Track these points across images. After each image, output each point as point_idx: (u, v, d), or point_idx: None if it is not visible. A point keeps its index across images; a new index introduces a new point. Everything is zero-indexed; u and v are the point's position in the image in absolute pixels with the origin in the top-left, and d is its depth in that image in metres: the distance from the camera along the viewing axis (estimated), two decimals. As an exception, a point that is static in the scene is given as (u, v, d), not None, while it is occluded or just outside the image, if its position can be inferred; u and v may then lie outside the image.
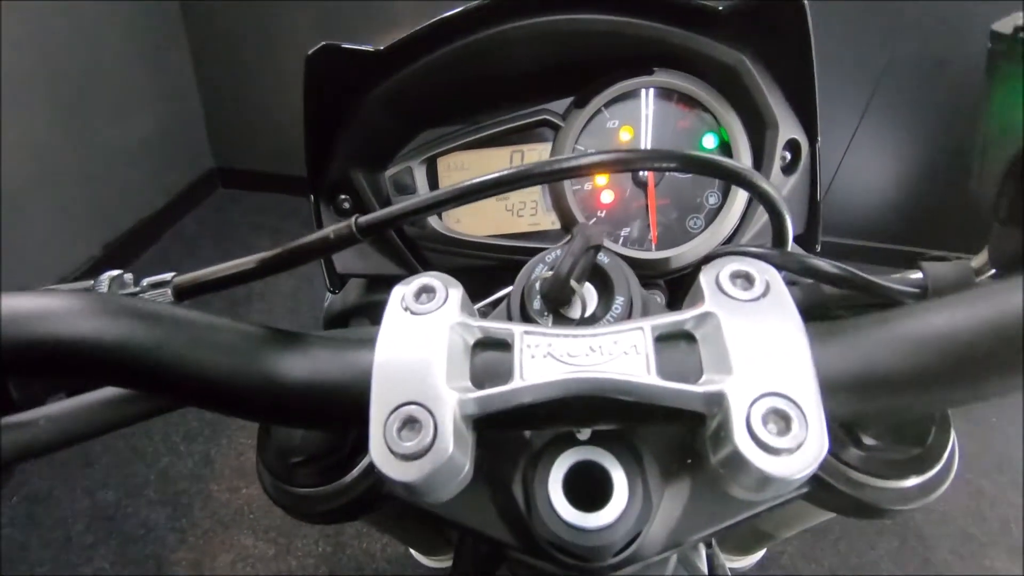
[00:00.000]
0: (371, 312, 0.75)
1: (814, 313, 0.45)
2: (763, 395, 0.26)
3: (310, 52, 0.58)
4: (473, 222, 0.66)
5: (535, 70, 0.62)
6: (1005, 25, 0.32)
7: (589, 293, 0.44)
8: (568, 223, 0.64)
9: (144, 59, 2.47)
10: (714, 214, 0.63)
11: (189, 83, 2.73)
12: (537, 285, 0.41)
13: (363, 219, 0.39)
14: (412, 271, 0.68)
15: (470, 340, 0.31)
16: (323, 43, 0.57)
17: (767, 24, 0.58)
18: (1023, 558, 1.73)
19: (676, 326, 0.30)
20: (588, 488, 0.36)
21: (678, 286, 0.71)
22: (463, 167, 0.65)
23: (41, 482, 1.77)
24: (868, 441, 0.41)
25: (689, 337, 0.30)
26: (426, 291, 0.33)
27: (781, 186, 0.65)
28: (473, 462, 0.29)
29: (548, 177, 0.38)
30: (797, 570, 1.70)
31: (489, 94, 0.64)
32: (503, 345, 0.31)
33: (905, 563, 1.73)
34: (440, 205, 0.39)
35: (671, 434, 0.39)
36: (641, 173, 0.63)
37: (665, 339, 0.30)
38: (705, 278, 0.31)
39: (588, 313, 0.41)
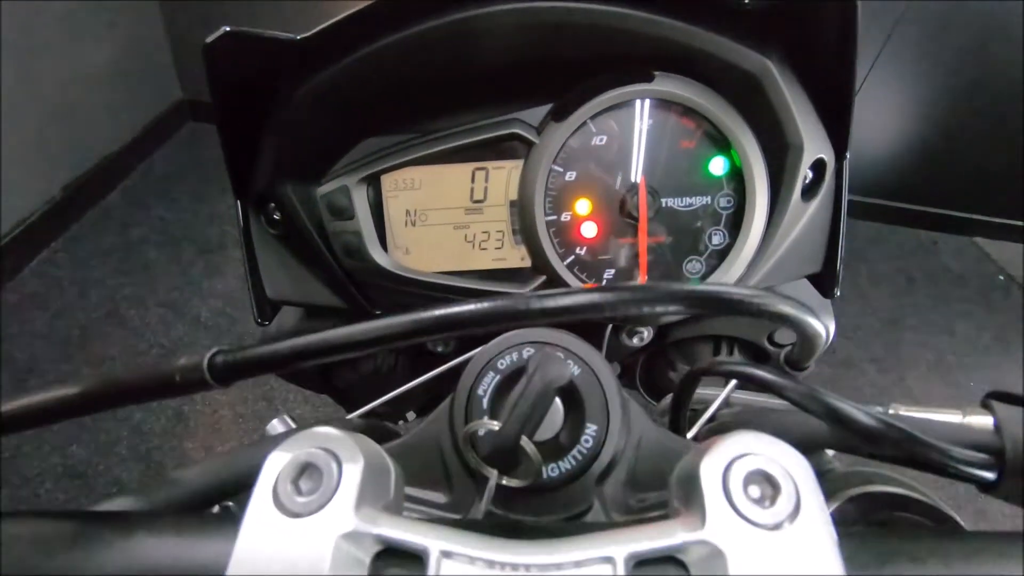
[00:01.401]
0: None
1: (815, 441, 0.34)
2: None
3: (209, 39, 0.43)
4: (425, 255, 0.53)
5: (505, 69, 0.47)
6: None
7: (554, 410, 0.33)
8: (540, 262, 0.51)
9: (97, -24, 2.19)
10: (718, 256, 0.51)
11: (150, 2, 2.45)
12: (480, 433, 0.30)
13: (222, 358, 0.27)
14: (353, 304, 0.56)
15: (365, 557, 0.21)
16: (225, 29, 0.43)
17: (803, 23, 0.44)
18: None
19: (662, 551, 0.20)
20: None
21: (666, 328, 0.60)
22: (413, 186, 0.52)
23: (7, 438, 1.69)
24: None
25: (678, 565, 0.20)
26: (309, 473, 0.22)
27: (799, 215, 0.52)
28: None
29: (451, 327, 0.26)
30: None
31: (447, 97, 0.50)
32: (414, 560, 0.20)
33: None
34: (326, 354, 0.27)
35: None
36: (630, 201, 0.50)
37: (646, 565, 0.20)
38: (707, 476, 0.21)
39: (551, 443, 0.31)
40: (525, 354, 0.34)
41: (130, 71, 2.40)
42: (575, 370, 0.33)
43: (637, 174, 0.49)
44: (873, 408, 0.33)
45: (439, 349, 0.63)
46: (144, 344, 1.92)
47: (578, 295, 0.24)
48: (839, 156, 0.53)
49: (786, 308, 0.28)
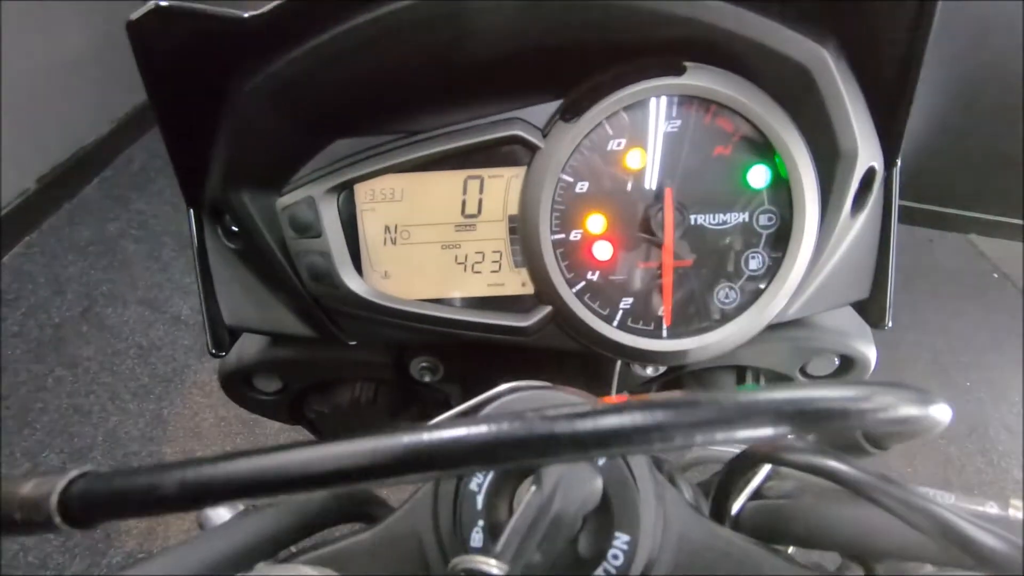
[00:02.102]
0: (280, 370, 0.54)
1: None
2: None
3: (133, 16, 0.34)
4: (407, 279, 0.44)
5: (504, 58, 0.38)
6: None
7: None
8: (544, 289, 0.42)
9: (69, -43, 2.05)
10: (757, 284, 0.42)
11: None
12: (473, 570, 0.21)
13: (84, 487, 0.18)
14: (323, 333, 0.47)
15: None
16: (154, 3, 0.33)
17: (870, 11, 0.36)
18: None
19: None
20: None
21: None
22: (393, 197, 0.42)
23: (-28, 447, 1.59)
24: None
25: None
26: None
27: (845, 233, 0.44)
28: None
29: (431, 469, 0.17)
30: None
31: (433, 91, 0.40)
32: None
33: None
34: (244, 493, 0.18)
35: None
36: (654, 218, 0.41)
37: None
38: None
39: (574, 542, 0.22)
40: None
41: (108, 59, 2.26)
42: (601, 473, 0.24)
43: (662, 186, 0.41)
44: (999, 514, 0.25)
45: (426, 379, 0.54)
46: (121, 344, 1.82)
47: (634, 412, 0.16)
48: (888, 164, 0.44)
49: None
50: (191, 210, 0.47)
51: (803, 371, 0.54)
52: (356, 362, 0.54)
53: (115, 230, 2.13)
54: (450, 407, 0.63)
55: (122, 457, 1.61)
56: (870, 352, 0.52)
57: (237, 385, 0.55)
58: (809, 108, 0.39)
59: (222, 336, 0.48)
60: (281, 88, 0.38)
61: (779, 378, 0.55)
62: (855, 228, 0.45)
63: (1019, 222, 2.44)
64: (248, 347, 0.53)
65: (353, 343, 0.48)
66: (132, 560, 1.45)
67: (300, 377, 0.55)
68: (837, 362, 0.53)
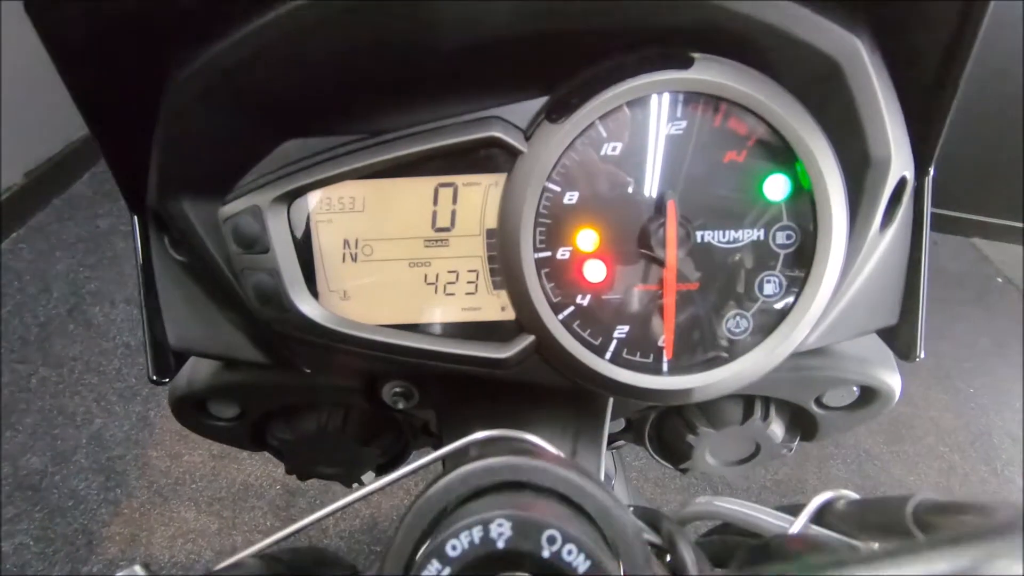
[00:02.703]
0: (236, 396, 0.48)
1: None
2: None
3: None
4: (370, 302, 0.38)
5: (480, 48, 0.32)
6: None
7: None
8: (527, 315, 0.36)
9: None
10: (773, 313, 0.36)
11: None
12: None
13: None
14: (276, 361, 0.41)
15: None
16: None
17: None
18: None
19: None
20: None
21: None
22: (353, 207, 0.36)
23: (-49, 449, 1.54)
24: None
25: None
26: None
27: (872, 251, 0.38)
28: None
29: None
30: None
31: (399, 85, 0.34)
32: None
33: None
34: None
35: None
36: (654, 234, 0.35)
37: None
38: None
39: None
40: (496, 532, 0.19)
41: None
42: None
43: (664, 197, 0.34)
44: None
45: (400, 406, 0.48)
46: (109, 344, 1.76)
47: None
48: (920, 173, 0.38)
49: None
50: (134, 217, 0.41)
51: (819, 402, 0.48)
52: (322, 387, 0.48)
53: (105, 226, 2.07)
54: (429, 435, 0.58)
55: (106, 461, 1.55)
56: (894, 382, 0.46)
57: (189, 412, 0.49)
58: (837, 108, 0.33)
59: (166, 360, 0.42)
60: (219, 78, 0.32)
61: (788, 407, 0.49)
62: (882, 246, 0.39)
63: (1020, 225, 2.38)
64: (200, 370, 0.47)
65: (308, 371, 0.42)
66: (113, 567, 1.40)
67: (259, 403, 0.49)
68: (857, 392, 0.47)
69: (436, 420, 0.48)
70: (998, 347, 2.16)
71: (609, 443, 0.52)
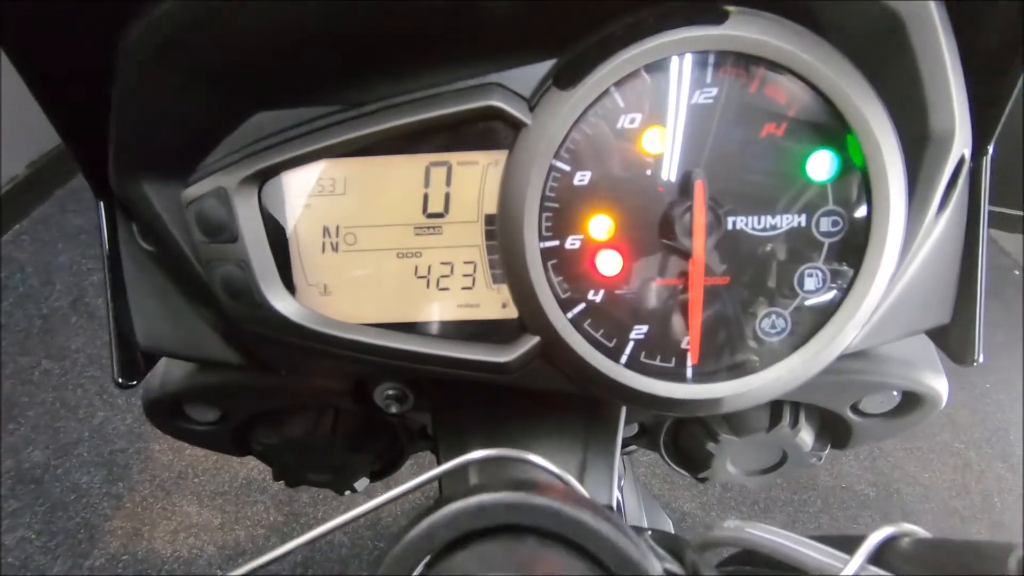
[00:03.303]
0: (214, 398, 0.44)
1: None
2: None
3: None
4: (354, 297, 0.33)
5: (478, 2, 0.27)
6: None
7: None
8: (531, 313, 0.31)
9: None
10: (816, 312, 0.31)
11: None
12: None
13: None
14: (251, 363, 0.37)
15: None
16: None
17: None
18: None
19: None
20: None
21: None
22: (334, 189, 0.31)
23: (-47, 441, 1.51)
24: None
25: None
26: None
27: (926, 237, 0.33)
28: None
29: None
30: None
31: (384, 47, 0.29)
32: None
33: (885, 539, 1.59)
34: None
35: None
36: (679, 220, 0.30)
37: None
38: None
39: None
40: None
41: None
42: None
43: (690, 177, 0.29)
44: None
45: (393, 409, 0.44)
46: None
47: None
48: (978, 151, 0.33)
49: None
50: (100, 204, 0.36)
51: (855, 407, 0.43)
52: (309, 389, 0.43)
53: (108, 218, 2.04)
54: (427, 438, 0.53)
55: (108, 454, 1.52)
56: (941, 386, 0.41)
57: (163, 415, 0.44)
58: (896, 73, 0.28)
59: (134, 360, 0.38)
60: (173, 37, 0.27)
61: (818, 412, 0.44)
62: (935, 234, 0.34)
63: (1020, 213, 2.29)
64: (174, 370, 0.43)
65: (283, 372, 0.37)
66: (115, 561, 1.37)
67: (241, 406, 0.45)
68: (898, 398, 0.42)
69: (432, 426, 0.44)
70: (1015, 342, 2.09)
71: (621, 448, 0.48)
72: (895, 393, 0.42)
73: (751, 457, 0.47)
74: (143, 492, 1.47)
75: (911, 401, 0.41)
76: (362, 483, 0.53)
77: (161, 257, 0.36)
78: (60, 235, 1.94)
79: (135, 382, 0.38)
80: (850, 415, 0.43)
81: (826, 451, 0.47)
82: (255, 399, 0.44)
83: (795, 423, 0.44)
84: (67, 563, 1.36)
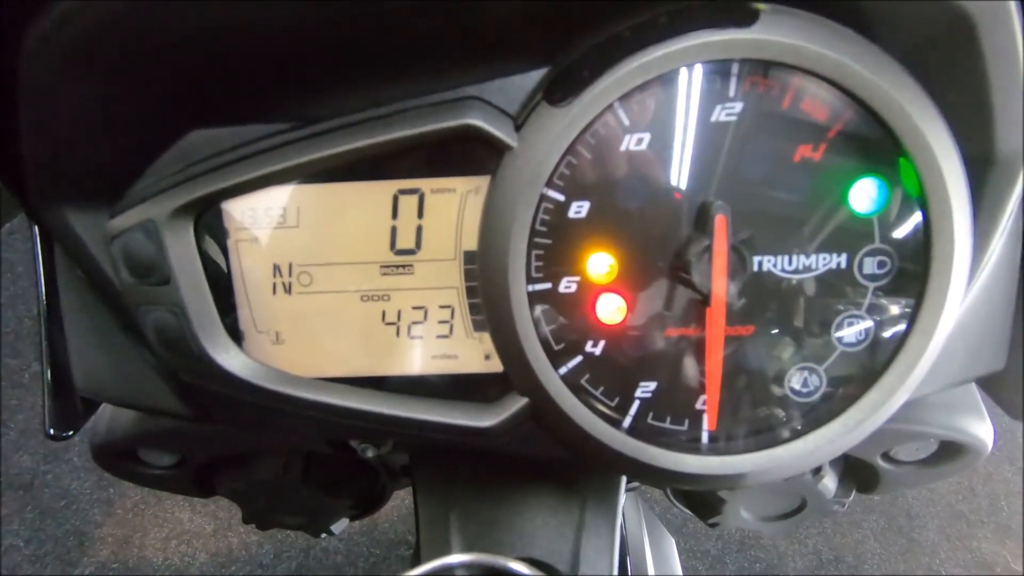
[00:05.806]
0: (168, 444, 0.39)
1: None
2: None
3: None
4: (312, 347, 0.28)
5: (456, 3, 0.22)
6: None
7: None
8: (516, 368, 0.26)
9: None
10: (859, 369, 0.26)
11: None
12: None
13: None
14: (199, 415, 0.32)
15: None
16: None
17: None
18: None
19: None
20: None
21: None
22: (285, 221, 0.26)
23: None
24: None
25: None
26: None
27: (983, 273, 0.28)
28: None
29: None
30: (780, 550, 1.51)
31: (343, 52, 0.24)
32: None
33: (891, 542, 1.57)
34: None
35: None
36: (695, 260, 0.25)
37: None
38: None
39: None
40: None
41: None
42: None
43: (709, 209, 0.24)
44: None
45: (368, 454, 0.39)
46: (103, 337, 1.69)
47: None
48: None
49: None
50: (35, 228, 0.31)
51: (886, 455, 0.38)
52: (273, 436, 0.38)
53: (101, 216, 1.99)
54: (409, 475, 0.49)
55: (100, 458, 1.48)
56: (986, 434, 0.36)
57: (113, 461, 0.40)
58: (961, 85, 0.23)
59: (71, 407, 0.33)
60: (85, 37, 0.22)
61: (848, 459, 0.39)
62: (987, 270, 0.28)
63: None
64: (122, 413, 0.38)
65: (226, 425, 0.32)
66: (105, 569, 1.34)
67: (200, 450, 0.40)
68: (935, 445, 0.37)
69: (411, 474, 0.39)
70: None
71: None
72: (933, 440, 0.37)
73: (767, 502, 0.42)
74: (134, 498, 1.43)
75: (950, 450, 0.36)
76: (340, 524, 0.48)
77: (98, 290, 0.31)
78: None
79: (71, 432, 0.33)
80: (880, 463, 0.38)
81: (850, 497, 0.42)
82: (215, 444, 0.39)
83: (818, 468, 0.39)
84: (56, 571, 1.32)
